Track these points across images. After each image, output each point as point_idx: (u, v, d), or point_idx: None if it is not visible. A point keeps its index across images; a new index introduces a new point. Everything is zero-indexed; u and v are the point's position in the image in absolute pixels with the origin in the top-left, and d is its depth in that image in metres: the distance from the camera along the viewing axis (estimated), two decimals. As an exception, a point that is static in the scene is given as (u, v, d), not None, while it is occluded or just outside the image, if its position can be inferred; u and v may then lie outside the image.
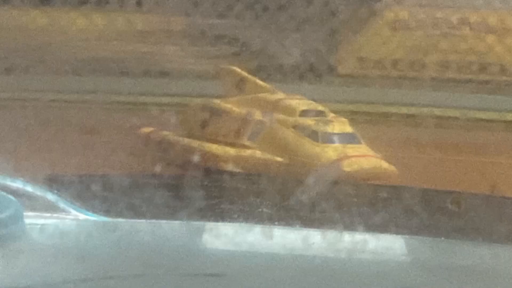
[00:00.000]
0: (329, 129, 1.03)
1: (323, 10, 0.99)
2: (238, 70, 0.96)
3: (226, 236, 0.84)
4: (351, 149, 1.04)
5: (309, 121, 1.02)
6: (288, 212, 0.86)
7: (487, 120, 0.98)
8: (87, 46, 1.01)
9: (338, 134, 1.04)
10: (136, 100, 1.03)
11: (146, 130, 1.15)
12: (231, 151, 1.01)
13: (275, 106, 1.00)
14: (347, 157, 1.04)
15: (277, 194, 0.90)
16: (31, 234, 0.82)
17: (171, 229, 0.86)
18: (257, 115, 1.05)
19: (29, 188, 0.85)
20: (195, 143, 1.01)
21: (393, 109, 0.99)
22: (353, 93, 0.99)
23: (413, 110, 0.99)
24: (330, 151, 1.02)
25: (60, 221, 0.86)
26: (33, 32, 0.99)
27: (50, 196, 0.86)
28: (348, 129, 1.04)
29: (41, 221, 0.85)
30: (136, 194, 0.86)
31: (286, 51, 0.98)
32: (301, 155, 0.99)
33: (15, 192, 0.84)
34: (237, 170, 0.97)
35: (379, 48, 1.00)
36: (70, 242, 0.84)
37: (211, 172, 0.97)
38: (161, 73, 1.05)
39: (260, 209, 0.87)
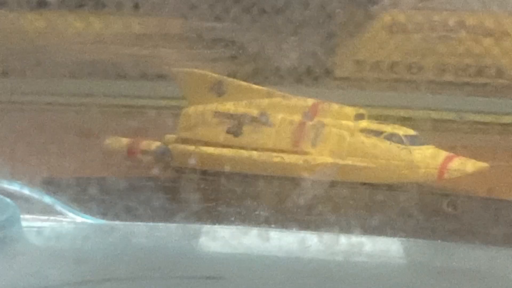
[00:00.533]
0: (405, 131, 0.99)
1: (320, 13, 0.99)
2: (210, 73, 0.94)
3: (223, 239, 0.84)
4: (431, 150, 1.00)
5: (379, 125, 0.98)
6: (284, 214, 0.86)
7: (484, 123, 0.99)
8: (84, 49, 1.01)
9: (412, 136, 1.00)
10: (134, 103, 1.03)
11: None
12: (294, 158, 0.96)
13: (315, 110, 0.96)
14: (449, 157, 0.98)
15: (274, 196, 0.90)
16: (28, 236, 0.82)
17: (168, 231, 0.86)
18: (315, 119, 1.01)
19: (26, 191, 0.86)
20: (229, 152, 0.96)
21: (390, 112, 1.00)
22: (350, 96, 0.99)
23: (410, 113, 0.99)
24: (421, 154, 0.98)
25: (57, 223, 0.86)
26: (30, 34, 1.00)
27: (47, 199, 0.86)
28: (411, 130, 1.01)
29: (38, 223, 0.85)
30: (133, 196, 0.87)
31: (283, 54, 0.98)
32: (393, 159, 0.94)
33: (12, 195, 0.84)
34: (311, 178, 0.95)
35: (376, 51, 1.00)
36: (67, 244, 0.84)
37: (207, 174, 0.97)
38: (158, 76, 1.05)
39: (256, 212, 0.88)
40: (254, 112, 0.93)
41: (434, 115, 0.98)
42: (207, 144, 0.93)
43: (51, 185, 0.88)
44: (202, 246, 0.83)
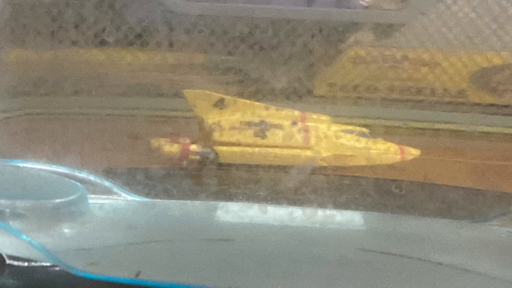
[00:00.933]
0: (364, 130, 0.99)
1: (303, 50, 1.00)
2: (213, 93, 0.94)
3: (233, 212, 0.85)
4: (385, 142, 0.99)
5: (349, 127, 0.98)
6: (278, 194, 0.87)
7: (421, 128, 0.99)
8: (133, 75, 1.02)
9: (369, 132, 1.00)
10: (169, 114, 1.03)
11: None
12: (307, 152, 0.95)
13: (303, 118, 0.95)
14: (400, 146, 0.98)
15: (270, 181, 0.91)
16: (93, 210, 0.82)
17: (194, 206, 0.86)
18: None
19: (91, 177, 0.86)
20: (259, 150, 0.94)
21: (353, 121, 1.00)
22: (325, 109, 0.99)
23: (368, 121, 1.00)
24: (383, 144, 0.97)
25: (114, 201, 0.86)
26: (93, 65, 1.00)
27: (107, 183, 0.86)
28: (366, 129, 0.99)
29: (100, 201, 0.85)
30: (168, 181, 0.87)
31: (276, 79, 0.98)
32: (368, 148, 0.94)
33: (81, 180, 0.84)
34: (297, 168, 0.94)
35: (344, 77, 1.01)
36: (120, 216, 0.84)
37: (222, 165, 0.97)
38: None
39: (257, 193, 0.88)
40: (271, 120, 0.94)
41: (385, 123, 0.99)
42: (241, 145, 0.94)
43: (109, 173, 0.88)
44: (218, 217, 0.83)
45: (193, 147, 0.96)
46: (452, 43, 1.01)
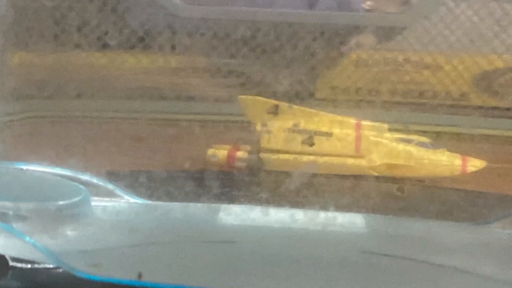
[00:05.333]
0: (427, 140, 0.97)
1: (305, 53, 1.01)
2: (268, 99, 0.93)
3: (236, 214, 0.85)
4: (447, 153, 0.97)
5: (408, 135, 0.97)
6: (280, 196, 0.87)
7: (423, 131, 1.00)
8: (136, 78, 1.02)
9: (431, 143, 0.99)
10: (170, 117, 1.03)
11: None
12: (359, 161, 0.93)
13: (359, 126, 0.94)
14: (464, 158, 0.97)
15: (272, 184, 0.91)
16: (95, 212, 0.83)
17: (196, 208, 0.86)
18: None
19: (94, 180, 0.86)
20: (306, 158, 0.92)
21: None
22: (327, 111, 1.00)
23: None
24: (444, 155, 0.95)
25: (117, 203, 0.87)
26: (96, 68, 1.00)
27: (109, 185, 0.87)
28: (428, 139, 0.97)
29: (103, 203, 0.86)
30: (171, 184, 0.88)
31: (278, 81, 0.99)
32: (426, 159, 0.92)
33: (84, 183, 0.85)
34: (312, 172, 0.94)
35: (346, 80, 1.01)
36: (123, 218, 0.85)
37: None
38: (188, 98, 1.05)
39: (259, 195, 0.88)
40: (320, 127, 0.93)
41: (387, 125, 0.99)
42: (288, 152, 0.93)
43: (112, 175, 0.88)
44: (220, 220, 0.84)
45: (240, 153, 0.95)
46: (455, 46, 1.02)
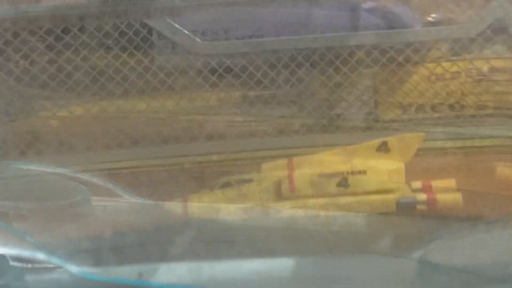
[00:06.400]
0: None
1: (367, 72, 0.97)
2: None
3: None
4: None
5: None
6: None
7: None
8: (147, 122, 0.98)
9: None
10: (177, 161, 0.97)
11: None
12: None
13: None
14: None
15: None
16: (96, 212, 0.83)
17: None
18: None
19: (94, 179, 0.87)
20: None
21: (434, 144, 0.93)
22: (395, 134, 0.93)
23: (459, 143, 0.92)
24: None
25: (117, 203, 0.87)
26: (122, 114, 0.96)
27: (109, 185, 0.87)
28: None
29: (103, 203, 0.86)
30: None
31: (340, 107, 0.94)
32: None
33: (84, 182, 0.85)
34: None
35: (419, 97, 0.94)
36: (123, 217, 0.85)
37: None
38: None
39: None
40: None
41: (477, 143, 0.94)
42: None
43: (112, 175, 0.89)
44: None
45: None
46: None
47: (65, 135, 0.94)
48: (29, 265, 0.73)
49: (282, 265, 0.75)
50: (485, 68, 0.94)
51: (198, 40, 0.93)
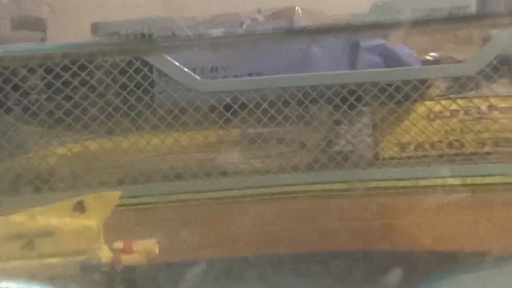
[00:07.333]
0: None
1: (367, 110, 0.96)
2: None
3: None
4: None
5: None
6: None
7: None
8: (162, 160, 0.97)
9: None
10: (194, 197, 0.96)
11: None
12: None
13: None
14: None
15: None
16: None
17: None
18: None
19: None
20: None
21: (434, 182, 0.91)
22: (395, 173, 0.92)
23: (458, 181, 0.91)
24: None
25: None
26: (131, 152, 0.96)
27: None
28: None
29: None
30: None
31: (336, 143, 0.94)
32: None
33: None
34: None
35: (419, 135, 0.94)
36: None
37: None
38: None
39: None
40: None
41: (476, 180, 0.94)
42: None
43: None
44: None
45: None
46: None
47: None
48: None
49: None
50: (484, 106, 0.94)
51: (198, 77, 0.93)
